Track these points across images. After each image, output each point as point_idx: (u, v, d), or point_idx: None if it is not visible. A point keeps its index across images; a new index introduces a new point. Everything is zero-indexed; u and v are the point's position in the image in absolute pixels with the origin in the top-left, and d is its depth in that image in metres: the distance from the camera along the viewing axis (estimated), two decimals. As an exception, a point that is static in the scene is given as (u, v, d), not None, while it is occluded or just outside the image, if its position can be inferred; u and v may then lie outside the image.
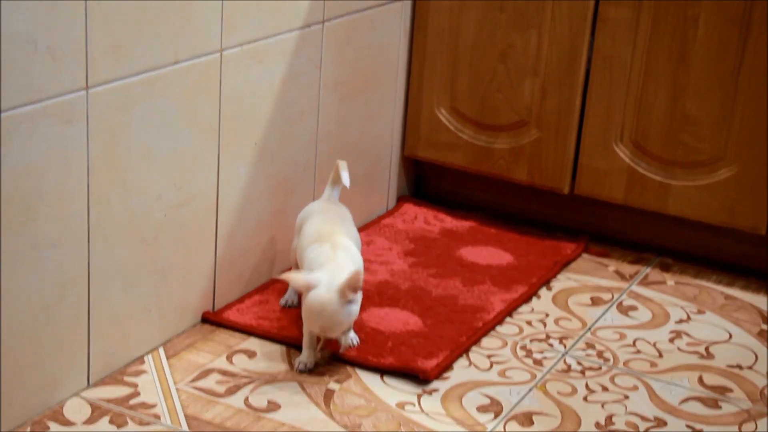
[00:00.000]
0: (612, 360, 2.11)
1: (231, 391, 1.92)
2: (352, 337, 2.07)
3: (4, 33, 1.59)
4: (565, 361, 2.10)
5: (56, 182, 1.74)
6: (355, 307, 1.96)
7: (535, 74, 2.56)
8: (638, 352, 2.15)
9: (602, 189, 2.55)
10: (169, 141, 1.96)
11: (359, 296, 1.97)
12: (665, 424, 1.91)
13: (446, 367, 2.05)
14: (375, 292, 2.30)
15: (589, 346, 2.16)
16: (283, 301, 2.23)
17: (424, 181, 2.88)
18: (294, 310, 2.19)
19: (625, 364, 2.10)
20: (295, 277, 1.96)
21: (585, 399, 1.97)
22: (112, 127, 1.82)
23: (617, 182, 2.53)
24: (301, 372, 1.99)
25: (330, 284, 1.92)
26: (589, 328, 2.23)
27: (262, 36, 2.14)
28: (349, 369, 2.02)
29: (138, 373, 1.96)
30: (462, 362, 2.07)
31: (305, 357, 2.01)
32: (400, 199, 2.82)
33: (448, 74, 2.66)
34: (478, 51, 2.60)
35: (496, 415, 1.90)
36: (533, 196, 2.71)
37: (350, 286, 1.92)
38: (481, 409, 1.92)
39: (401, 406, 1.92)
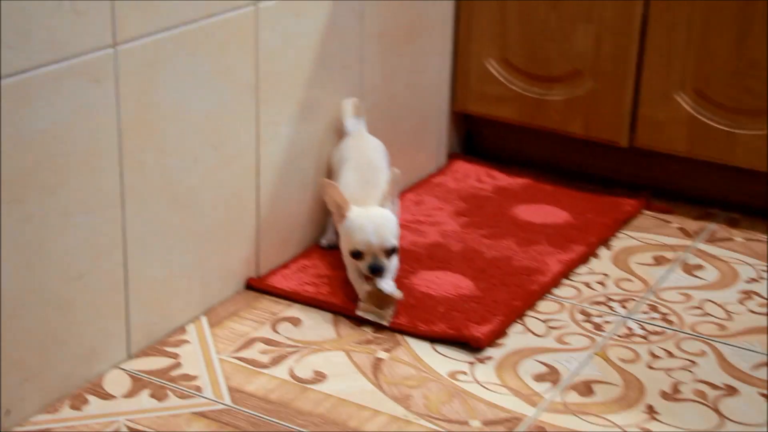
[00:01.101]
0: (677, 323, 1.99)
1: (275, 362, 1.84)
2: (393, 290, 1.96)
3: (25, -12, 1.50)
4: (626, 326, 1.98)
5: (86, 145, 1.65)
6: (396, 218, 1.98)
7: (589, 20, 2.42)
8: (705, 314, 2.02)
9: (663, 141, 2.42)
10: (204, 100, 1.86)
11: (397, 208, 2.03)
12: (736, 391, 1.79)
13: (500, 333, 1.94)
14: (425, 255, 2.20)
15: (653, 308, 2.04)
16: (324, 241, 2.16)
17: (475, 137, 2.76)
18: (341, 273, 2.09)
19: (691, 327, 1.98)
20: (334, 191, 1.95)
21: (649, 366, 1.86)
22: (142, 86, 1.73)
23: (679, 133, 2.39)
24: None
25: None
26: (652, 290, 2.11)
27: (300, -13, 2.03)
28: (399, 337, 1.92)
29: (180, 343, 1.88)
30: (517, 328, 1.97)
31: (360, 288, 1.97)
32: (451, 157, 2.70)
33: (496, 23, 2.53)
34: (529, -2, 2.47)
35: (554, 384, 1.80)
36: (590, 150, 2.58)
37: (391, 190, 1.96)
38: (538, 377, 1.82)
39: (453, 375, 1.82)
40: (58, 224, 1.63)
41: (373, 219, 1.94)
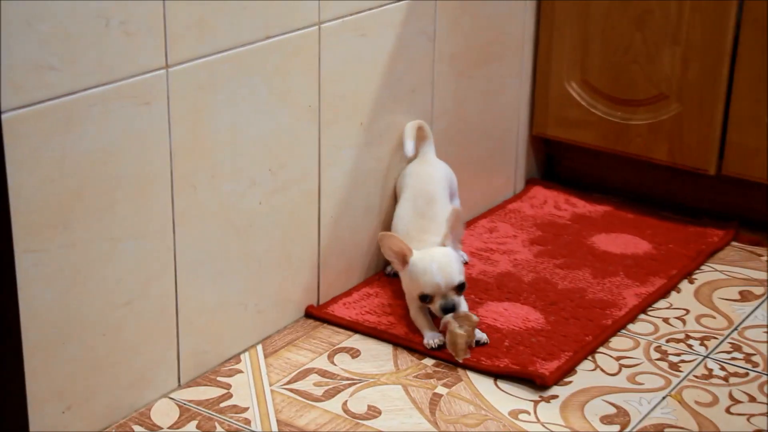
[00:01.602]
0: (761, 365, 1.86)
1: (329, 395, 1.77)
2: (481, 336, 1.89)
3: (72, 8, 1.46)
4: (706, 366, 1.86)
5: (135, 168, 1.61)
6: (462, 253, 1.92)
7: (676, 42, 2.30)
8: (792, 355, 1.89)
9: (754, 168, 2.28)
10: (261, 122, 1.81)
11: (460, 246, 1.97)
12: (823, 441, 1.65)
13: (568, 370, 1.83)
14: (494, 285, 2.11)
15: (735, 348, 1.91)
16: (389, 269, 2.10)
17: (554, 162, 2.66)
18: (406, 302, 2.02)
19: (776, 369, 1.85)
20: (392, 241, 1.90)
21: (728, 410, 1.73)
22: (196, 108, 1.68)
23: (771, 161, 2.26)
24: (433, 349, 1.87)
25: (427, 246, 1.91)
26: (736, 327, 1.98)
27: (365, 7, 1.96)
28: (460, 372, 1.83)
29: (233, 373, 1.82)
30: (587, 365, 1.86)
31: (428, 336, 1.89)
32: (529, 182, 2.60)
33: (578, 45, 2.43)
34: (611, 18, 2.36)
35: (623, 428, 1.68)
36: (675, 177, 2.45)
37: (452, 228, 1.91)
38: (606, 419, 1.71)
39: (515, 414, 1.72)
40: (105, 250, 1.59)
41: (436, 259, 1.87)
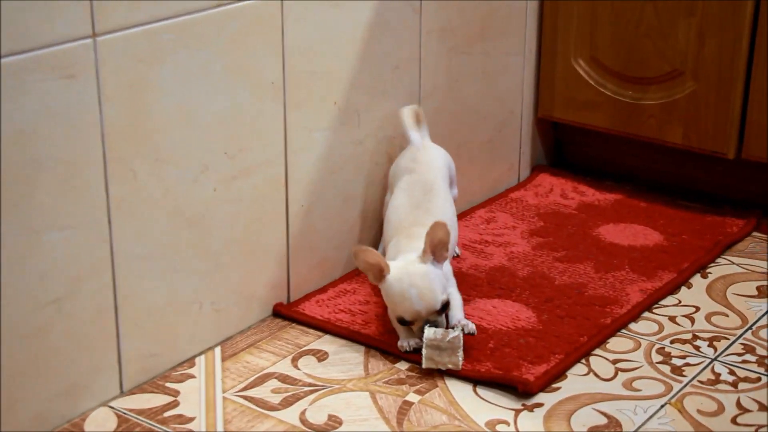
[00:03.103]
0: (776, 369, 1.65)
1: (287, 403, 1.58)
2: (465, 322, 1.69)
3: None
4: (713, 370, 1.65)
5: (59, 151, 1.44)
6: (447, 268, 1.69)
7: (691, 14, 2.09)
8: (813, 358, 1.67)
9: (777, 151, 2.07)
10: (214, 101, 1.63)
11: (449, 253, 1.74)
12: (843, 458, 1.44)
13: (557, 375, 1.64)
14: (485, 280, 1.91)
15: (748, 349, 1.70)
16: None
17: (564, 147, 2.45)
18: (382, 300, 1.83)
19: (793, 374, 1.64)
20: (367, 254, 1.63)
21: (734, 420, 1.52)
22: (133, 84, 1.51)
23: (796, 143, 2.04)
24: (408, 353, 1.68)
25: (407, 258, 1.67)
26: (751, 326, 1.77)
27: (335, -27, 1.78)
28: (436, 377, 1.64)
29: (184, 378, 1.65)
30: (579, 369, 1.66)
31: (404, 338, 1.70)
32: (536, 169, 2.41)
33: (586, 19, 2.23)
34: (619, -12, 2.16)
35: (613, 441, 1.49)
36: (691, 161, 2.24)
37: (432, 245, 1.65)
38: (594, 431, 1.51)
39: (492, 425, 1.52)
40: (24, 242, 1.42)
41: (415, 283, 1.63)
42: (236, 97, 1.67)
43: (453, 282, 1.76)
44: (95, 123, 1.47)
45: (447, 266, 1.73)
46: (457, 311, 1.71)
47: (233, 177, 1.70)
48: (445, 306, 1.67)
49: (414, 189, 1.84)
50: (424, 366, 1.63)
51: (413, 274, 1.65)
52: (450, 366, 1.62)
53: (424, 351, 1.62)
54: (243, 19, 1.64)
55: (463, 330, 1.66)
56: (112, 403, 1.58)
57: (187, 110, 1.59)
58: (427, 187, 1.85)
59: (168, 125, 1.57)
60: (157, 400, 1.59)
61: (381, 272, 1.66)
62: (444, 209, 1.81)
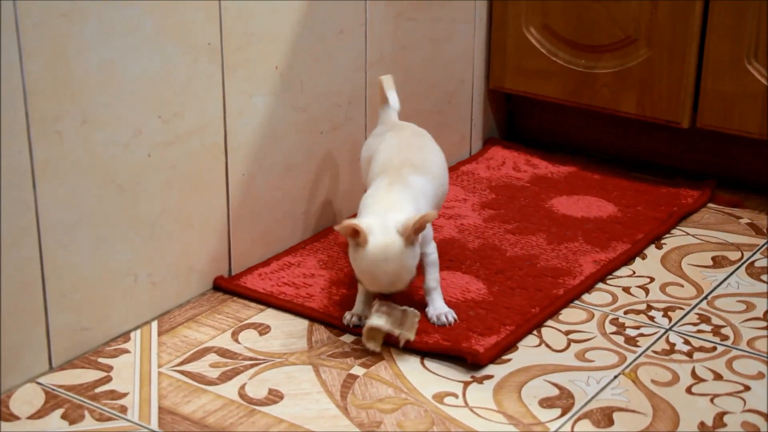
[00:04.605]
0: (732, 338, 1.60)
1: (226, 377, 1.51)
2: (447, 312, 1.62)
3: None
4: (667, 340, 1.59)
5: (-21, 110, 1.35)
6: (418, 249, 1.56)
7: (644, -22, 2.04)
8: (770, 327, 1.63)
9: (732, 120, 2.02)
10: (145, 61, 1.55)
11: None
12: (801, 426, 1.39)
13: (507, 346, 1.57)
14: (434, 252, 1.84)
15: (703, 319, 1.65)
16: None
17: (517, 118, 2.39)
18: (331, 274, 1.76)
19: (749, 343, 1.58)
20: (343, 225, 1.53)
21: (689, 390, 1.47)
22: (56, 40, 1.42)
23: (752, 111, 2.00)
24: (349, 327, 1.60)
25: (385, 226, 1.53)
26: (706, 296, 1.72)
27: (275, -70, 1.71)
28: (383, 349, 1.57)
29: (118, 353, 1.57)
30: (530, 340, 1.60)
31: (350, 312, 1.62)
32: (488, 142, 2.34)
33: (537, -15, 2.17)
34: (571, -48, 2.10)
35: (564, 412, 1.42)
36: (645, 132, 2.19)
37: (416, 230, 1.53)
38: (545, 402, 1.45)
39: (440, 398, 1.46)
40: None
41: (389, 262, 1.52)
42: (169, 59, 1.59)
43: (432, 243, 1.66)
44: (17, 80, 1.39)
45: (428, 228, 1.64)
46: (433, 271, 1.64)
47: (169, 142, 1.62)
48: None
49: (403, 134, 1.75)
50: (365, 328, 1.54)
51: (389, 251, 1.52)
52: (398, 333, 1.54)
53: (373, 314, 1.54)
54: (177, -25, 1.56)
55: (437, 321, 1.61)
56: (40, 380, 1.49)
57: (114, 70, 1.51)
58: (418, 132, 1.77)
59: (94, 85, 1.49)
60: (88, 375, 1.51)
61: (358, 234, 1.53)
62: (435, 151, 1.73)
